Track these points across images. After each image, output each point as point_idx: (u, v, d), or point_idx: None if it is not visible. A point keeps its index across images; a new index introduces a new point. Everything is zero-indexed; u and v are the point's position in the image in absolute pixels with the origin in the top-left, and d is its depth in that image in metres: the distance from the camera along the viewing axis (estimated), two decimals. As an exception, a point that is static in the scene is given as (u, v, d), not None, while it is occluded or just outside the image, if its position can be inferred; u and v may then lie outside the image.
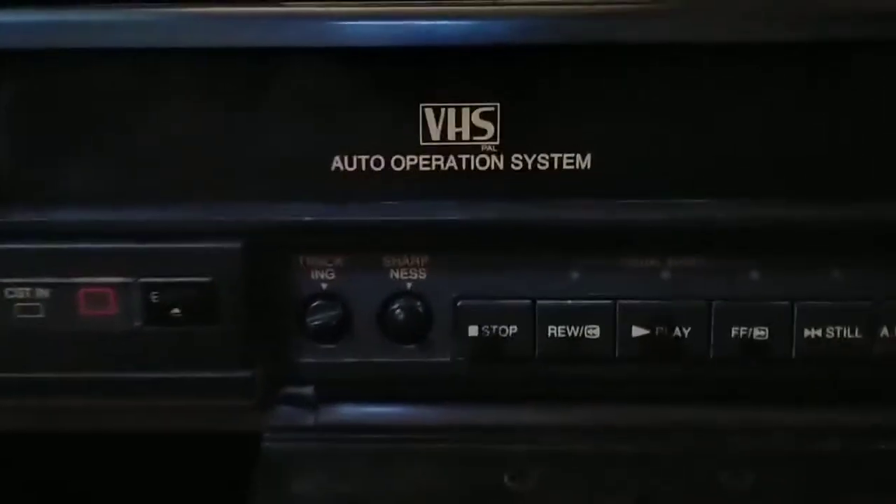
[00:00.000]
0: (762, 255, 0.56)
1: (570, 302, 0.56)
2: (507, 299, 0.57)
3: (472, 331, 0.57)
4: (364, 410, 0.60)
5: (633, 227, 0.55)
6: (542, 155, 0.54)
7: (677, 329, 0.56)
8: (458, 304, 0.57)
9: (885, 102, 0.53)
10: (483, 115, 0.53)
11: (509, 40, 0.52)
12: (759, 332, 0.56)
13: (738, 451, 0.58)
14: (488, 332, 0.57)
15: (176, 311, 0.55)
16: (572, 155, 0.54)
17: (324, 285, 0.57)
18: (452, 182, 0.54)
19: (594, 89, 0.53)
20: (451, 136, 0.53)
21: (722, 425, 0.58)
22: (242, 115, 0.54)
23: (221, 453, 0.63)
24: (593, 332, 0.56)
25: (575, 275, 0.57)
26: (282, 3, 0.52)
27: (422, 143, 0.53)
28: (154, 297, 0.55)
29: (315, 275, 0.57)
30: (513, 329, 0.56)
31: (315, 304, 0.58)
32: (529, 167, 0.54)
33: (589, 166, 0.54)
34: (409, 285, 0.58)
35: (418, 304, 0.58)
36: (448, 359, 0.58)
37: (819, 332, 0.56)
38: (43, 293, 0.55)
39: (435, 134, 0.53)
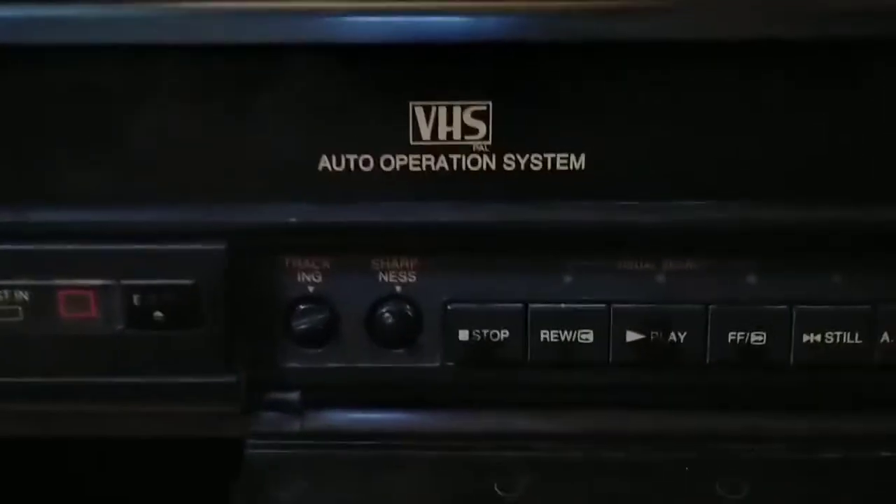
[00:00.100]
0: (760, 258, 0.56)
1: (563, 306, 0.56)
2: (499, 303, 0.56)
3: (463, 335, 0.56)
4: (351, 417, 0.59)
5: (628, 229, 0.54)
6: (535, 155, 0.53)
7: (673, 334, 0.55)
8: (449, 307, 0.56)
9: (887, 104, 0.52)
10: (475, 114, 0.52)
11: (502, 37, 0.51)
12: (757, 338, 0.55)
13: (735, 460, 0.57)
14: (479, 337, 0.56)
15: (158, 314, 0.55)
16: (566, 155, 0.53)
17: (310, 288, 0.57)
18: (443, 183, 0.53)
19: (589, 88, 0.52)
20: (441, 135, 0.53)
21: (718, 433, 0.58)
22: (227, 113, 0.53)
23: (205, 460, 0.63)
24: (587, 336, 0.56)
25: (568, 278, 0.56)
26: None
27: (412, 143, 0.53)
28: (136, 300, 0.54)
29: (301, 277, 0.57)
30: (504, 333, 0.56)
31: (301, 307, 0.57)
32: (522, 167, 0.53)
33: (583, 167, 0.53)
34: (398, 288, 0.57)
35: (407, 307, 0.57)
36: (438, 364, 0.57)
37: (818, 338, 0.55)
38: (22, 295, 0.55)
39: (425, 133, 0.53)
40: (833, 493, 0.56)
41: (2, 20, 0.51)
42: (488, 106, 0.52)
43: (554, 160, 0.53)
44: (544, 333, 0.56)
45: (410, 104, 0.52)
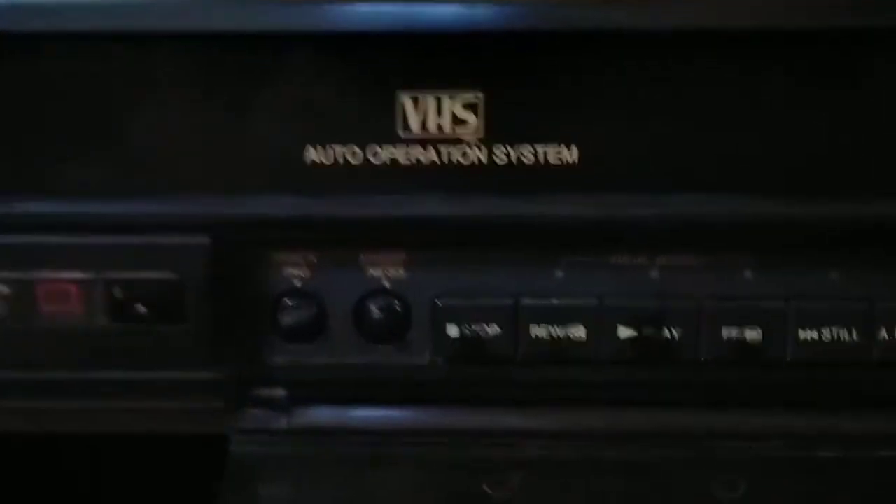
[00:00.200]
0: (756, 252, 0.55)
1: (554, 301, 0.55)
2: (489, 298, 0.55)
3: (452, 331, 0.56)
4: (338, 413, 0.58)
5: (622, 223, 0.54)
6: (527, 147, 0.52)
7: (666, 330, 0.55)
8: (438, 302, 0.56)
9: (886, 98, 0.52)
10: (465, 105, 0.52)
11: (494, 26, 0.51)
12: (753, 334, 0.55)
13: (730, 459, 0.56)
14: (469, 333, 0.55)
15: (141, 308, 0.54)
16: (559, 148, 0.52)
17: (297, 282, 0.56)
18: (433, 176, 0.53)
19: (583, 79, 0.52)
20: (431, 127, 0.52)
21: (714, 431, 0.57)
22: (212, 104, 0.52)
23: (189, 457, 0.62)
24: (578, 332, 0.55)
25: (560, 273, 0.56)
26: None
27: (400, 135, 0.52)
28: (118, 294, 0.54)
29: (288, 271, 0.56)
30: (494, 329, 0.55)
31: (288, 302, 0.56)
32: (514, 160, 0.53)
33: (576, 160, 0.52)
34: (386, 283, 0.56)
35: (396, 302, 0.56)
36: (427, 360, 0.57)
37: (815, 335, 0.55)
38: (1, 289, 0.54)
39: (414, 125, 0.52)
40: (830, 493, 0.55)
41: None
42: (479, 97, 0.52)
43: (546, 153, 0.52)
44: (535, 329, 0.55)
45: (399, 94, 0.52)
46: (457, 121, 0.52)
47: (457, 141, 0.52)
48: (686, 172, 0.53)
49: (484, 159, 0.52)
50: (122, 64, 0.52)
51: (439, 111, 0.52)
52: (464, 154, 0.52)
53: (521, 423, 0.58)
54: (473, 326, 0.55)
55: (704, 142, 0.52)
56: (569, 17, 0.51)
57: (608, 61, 0.52)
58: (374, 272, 0.56)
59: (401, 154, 0.52)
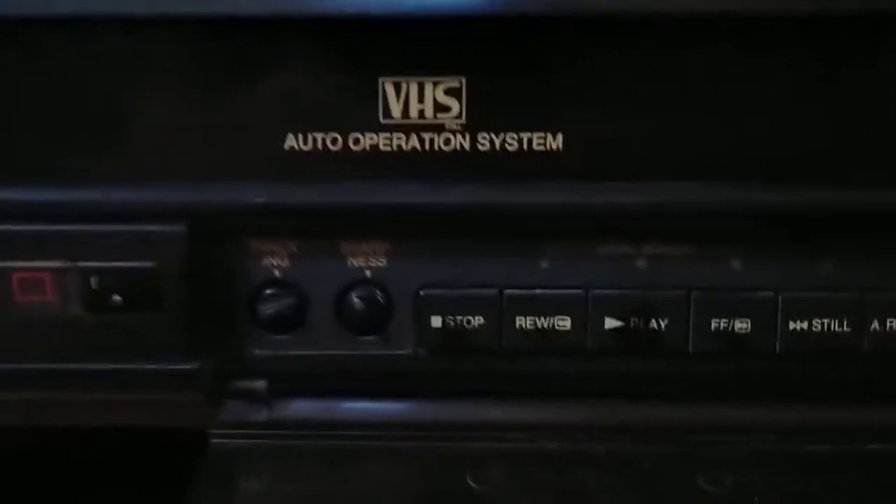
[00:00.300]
0: (745, 242, 0.55)
1: (539, 291, 0.55)
2: (473, 288, 0.55)
3: (436, 322, 0.55)
4: (320, 406, 0.58)
5: (608, 211, 0.53)
6: (510, 134, 0.52)
7: (653, 321, 0.55)
8: (421, 293, 0.55)
9: (877, 86, 0.51)
10: (448, 91, 0.52)
11: (478, 10, 0.51)
12: (741, 325, 0.55)
13: (718, 453, 0.56)
14: (452, 324, 0.55)
15: (117, 298, 0.53)
16: (543, 134, 0.52)
17: (277, 272, 0.56)
18: (414, 163, 0.52)
19: (567, 64, 0.51)
20: (413, 113, 0.52)
21: (701, 424, 0.57)
22: (189, 89, 0.52)
23: (168, 450, 0.62)
24: (564, 323, 0.55)
25: (545, 263, 0.55)
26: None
27: (381, 121, 0.52)
28: (94, 283, 0.53)
29: (267, 261, 0.56)
30: (478, 320, 0.55)
31: (267, 292, 0.56)
32: (497, 147, 0.52)
33: (561, 147, 0.52)
34: (368, 273, 0.56)
35: (378, 293, 0.56)
36: (409, 351, 0.56)
37: (805, 326, 0.54)
38: (-26, 278, 0.54)
39: (396, 111, 0.52)
40: (820, 487, 0.54)
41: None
42: (462, 82, 0.51)
43: (530, 140, 0.52)
44: (520, 320, 0.55)
45: (380, 80, 0.51)
46: (439, 107, 0.52)
47: (439, 128, 0.52)
48: (673, 160, 0.52)
49: (467, 146, 0.52)
50: (97, 50, 0.51)
51: (421, 97, 0.51)
52: (446, 141, 0.52)
53: (505, 416, 0.57)
54: (457, 317, 0.55)
55: (691, 129, 0.52)
56: (554, 1, 0.50)
57: (593, 47, 0.51)
58: (356, 262, 0.56)
59: (382, 141, 0.52)
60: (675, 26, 0.51)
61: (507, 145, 0.52)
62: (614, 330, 0.54)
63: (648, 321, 0.54)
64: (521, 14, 0.51)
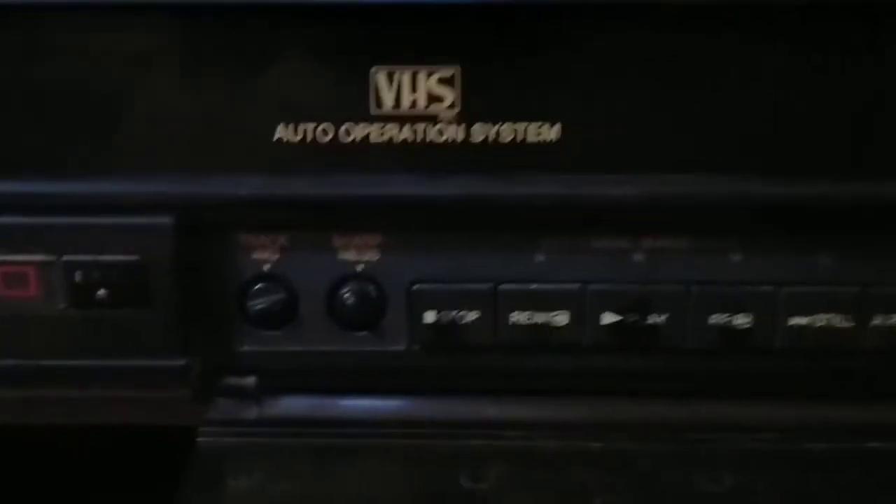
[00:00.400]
0: (745, 235, 0.54)
1: (535, 286, 0.55)
2: (467, 283, 0.55)
3: (429, 317, 0.55)
4: (311, 403, 0.57)
5: (605, 204, 0.53)
6: (505, 125, 0.52)
7: (651, 316, 0.54)
8: (414, 287, 0.55)
9: (879, 76, 0.51)
10: (441, 81, 0.51)
11: None
12: (741, 320, 0.54)
13: (716, 451, 0.56)
14: (446, 319, 0.55)
15: (102, 292, 0.53)
16: (539, 125, 0.52)
17: (266, 266, 0.55)
18: (407, 154, 0.52)
19: (564, 53, 0.51)
20: (405, 103, 0.51)
21: (699, 421, 0.57)
22: (176, 78, 0.51)
23: (155, 448, 0.62)
24: (560, 318, 0.55)
25: (541, 257, 0.55)
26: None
27: (373, 112, 0.51)
28: (78, 278, 0.53)
29: (257, 255, 0.55)
30: (473, 315, 0.55)
31: (257, 286, 0.55)
32: (492, 139, 0.52)
33: (557, 138, 0.52)
34: (360, 267, 0.55)
35: (370, 287, 0.55)
36: (402, 347, 0.56)
37: (805, 321, 0.54)
38: (-44, 272, 0.53)
39: (388, 101, 0.51)
40: (820, 486, 0.54)
41: None
42: (456, 71, 0.51)
43: (526, 130, 0.52)
44: (515, 315, 0.55)
45: (371, 70, 0.51)
46: (432, 97, 0.51)
47: (432, 118, 0.51)
48: (672, 151, 0.52)
49: (461, 137, 0.52)
50: (84, 41, 0.51)
51: (414, 87, 0.51)
52: (440, 132, 0.52)
53: (500, 413, 0.57)
54: (451, 312, 0.55)
55: (690, 120, 0.51)
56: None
57: (591, 34, 0.50)
58: (347, 256, 0.55)
59: (374, 132, 0.52)
60: (674, 15, 0.50)
61: (502, 136, 0.51)
62: (612, 325, 0.54)
63: (646, 316, 0.54)
64: (516, 1, 0.50)
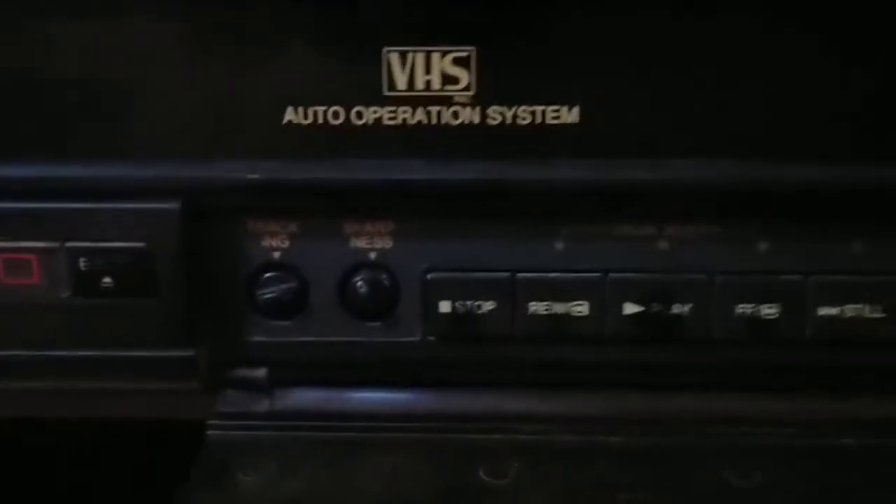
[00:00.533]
0: (772, 222, 0.54)
1: (554, 275, 0.54)
2: (484, 272, 0.54)
3: (444, 307, 0.54)
4: (323, 396, 0.57)
5: (627, 189, 0.52)
6: (523, 107, 0.51)
7: (675, 306, 0.54)
8: (428, 276, 0.54)
9: None
10: (456, 61, 0.50)
11: None
12: (768, 310, 0.53)
13: (744, 446, 0.55)
14: (462, 309, 0.54)
15: (107, 280, 0.53)
16: (558, 107, 0.51)
17: (276, 254, 0.55)
18: (421, 138, 0.51)
19: (584, 31, 0.50)
20: (419, 85, 0.51)
21: (726, 415, 0.56)
22: (183, 60, 0.51)
23: (164, 442, 0.62)
24: (580, 308, 0.54)
25: (560, 244, 0.54)
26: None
27: (386, 94, 0.51)
28: (83, 265, 0.52)
29: (266, 242, 0.55)
30: (490, 305, 0.54)
31: (267, 275, 0.55)
32: (509, 121, 0.51)
33: (577, 120, 0.51)
34: (372, 255, 0.55)
35: (383, 276, 0.55)
36: (417, 338, 0.56)
37: (835, 311, 0.53)
38: (-43, 260, 0.53)
39: (401, 83, 0.51)
40: (851, 482, 0.53)
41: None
42: (471, 52, 0.50)
43: (544, 113, 0.51)
44: (533, 305, 0.54)
45: (384, 50, 0.50)
46: (447, 78, 0.51)
47: (447, 100, 0.51)
48: (696, 134, 0.51)
49: (476, 120, 0.51)
50: (89, 23, 0.50)
51: (428, 68, 0.50)
52: (455, 114, 0.51)
53: (518, 407, 0.56)
54: (467, 302, 0.54)
55: (716, 101, 0.51)
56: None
57: (611, 12, 0.50)
58: (359, 243, 0.55)
59: (386, 115, 0.51)
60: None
61: (519, 119, 0.51)
62: (634, 315, 0.54)
63: (670, 306, 0.53)
64: (534, -21, 0.50)
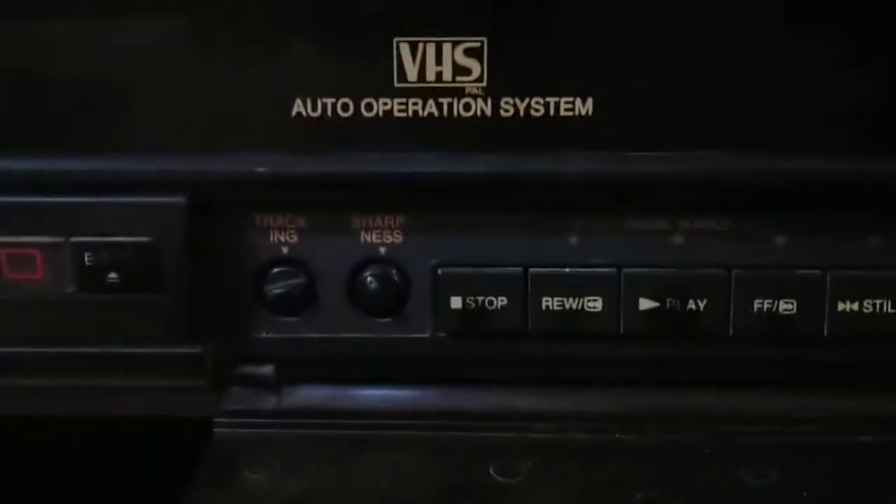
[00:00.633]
0: (789, 216, 0.53)
1: (567, 270, 0.54)
2: (496, 267, 0.54)
3: (455, 302, 0.54)
4: (331, 393, 0.57)
5: (641, 183, 0.52)
6: (535, 99, 0.51)
7: (691, 302, 0.53)
8: (439, 271, 0.54)
9: None
10: (468, 52, 0.50)
11: None
12: (786, 306, 0.53)
13: (760, 444, 0.54)
14: (473, 305, 0.54)
15: (113, 275, 0.52)
16: (571, 99, 0.51)
17: (284, 249, 0.54)
18: (432, 130, 0.51)
19: (598, 22, 0.50)
20: (430, 76, 0.50)
21: (742, 414, 0.55)
22: (189, 51, 0.51)
23: (169, 439, 0.61)
24: (594, 304, 0.53)
25: (573, 239, 0.54)
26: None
27: (396, 85, 0.51)
28: (87, 260, 0.52)
29: (274, 236, 0.54)
30: (502, 301, 0.54)
31: (274, 270, 0.55)
32: (521, 113, 0.51)
33: (590, 112, 0.51)
34: (382, 250, 0.54)
35: (393, 271, 0.55)
36: (427, 334, 0.55)
37: (854, 307, 0.53)
38: (-41, 255, 0.53)
39: (411, 74, 0.50)
40: (870, 481, 0.52)
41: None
42: (483, 42, 0.50)
43: (557, 105, 0.51)
44: (546, 301, 0.53)
45: (395, 41, 0.50)
46: (458, 69, 0.50)
47: (458, 92, 0.50)
48: (713, 126, 0.51)
49: (488, 112, 0.51)
50: (94, 13, 0.50)
51: (439, 59, 0.50)
52: (466, 106, 0.51)
53: (530, 404, 0.56)
54: (478, 298, 0.54)
55: (733, 92, 0.50)
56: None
57: (627, 1, 0.49)
58: (369, 238, 0.54)
59: (397, 107, 0.51)
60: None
61: (532, 111, 0.50)
62: (649, 311, 0.53)
63: (686, 302, 0.53)
64: (548, -32, 0.49)
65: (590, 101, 0.50)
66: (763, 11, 0.49)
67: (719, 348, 0.54)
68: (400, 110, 0.51)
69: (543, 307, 0.53)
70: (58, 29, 0.50)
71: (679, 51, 0.50)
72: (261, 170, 0.51)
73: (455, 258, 0.54)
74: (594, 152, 0.51)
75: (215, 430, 0.56)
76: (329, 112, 0.51)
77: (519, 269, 0.53)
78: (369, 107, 0.50)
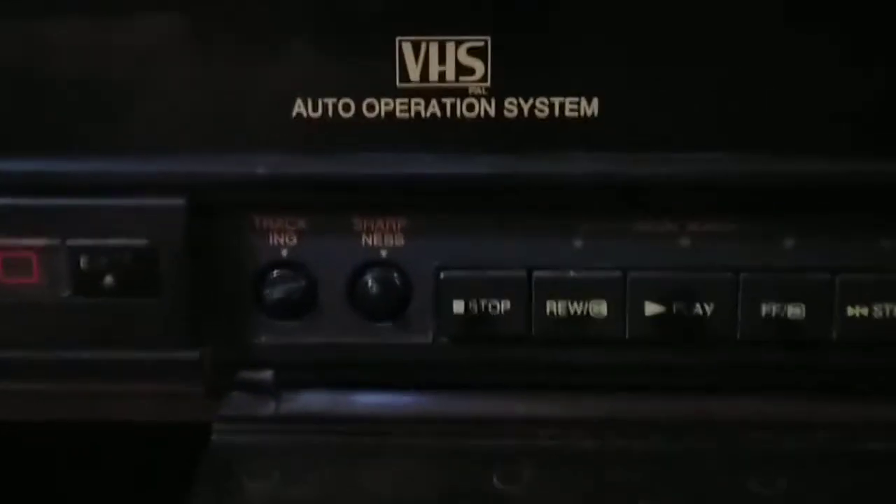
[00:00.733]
0: (798, 218, 0.53)
1: (572, 273, 0.53)
2: (499, 270, 0.54)
3: (458, 307, 0.54)
4: (331, 398, 0.56)
5: (648, 184, 0.52)
6: (540, 99, 0.51)
7: (698, 306, 0.53)
8: (441, 275, 0.54)
9: None
10: (471, 52, 0.50)
11: None
12: (794, 310, 0.53)
13: (768, 451, 0.54)
14: (476, 309, 0.53)
15: (109, 279, 0.52)
16: (576, 99, 0.50)
17: (284, 252, 0.54)
18: (434, 131, 0.51)
19: (604, 21, 0.50)
20: (433, 76, 0.50)
21: (749, 420, 0.55)
22: (187, 50, 0.50)
23: (166, 446, 0.61)
24: (599, 308, 0.53)
25: (578, 241, 0.54)
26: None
27: (398, 85, 0.51)
28: (84, 263, 0.52)
29: (274, 239, 0.54)
30: (505, 305, 0.53)
31: (274, 273, 0.54)
32: (526, 114, 0.51)
33: (596, 113, 0.51)
34: (384, 253, 0.54)
35: (395, 275, 0.54)
36: (429, 339, 0.55)
37: (864, 311, 0.53)
38: (-46, 258, 0.53)
39: (414, 74, 0.50)
40: (879, 489, 0.52)
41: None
42: (487, 41, 0.50)
43: (563, 105, 0.50)
44: (551, 305, 0.53)
45: (397, 40, 0.50)
46: (461, 69, 0.50)
47: (462, 92, 0.50)
48: (720, 128, 0.51)
49: (492, 112, 0.51)
50: (92, 11, 0.50)
51: (442, 58, 0.50)
52: (469, 107, 0.51)
53: (533, 411, 0.56)
54: (481, 302, 0.53)
55: (739, 94, 0.50)
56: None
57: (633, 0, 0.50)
58: (370, 240, 0.54)
59: (399, 107, 0.51)
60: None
61: (536, 111, 0.50)
62: (655, 316, 0.53)
63: (692, 306, 0.53)
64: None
65: (595, 102, 0.50)
66: (771, 11, 0.49)
67: (726, 353, 0.54)
68: (402, 111, 0.50)
69: (547, 311, 0.53)
70: (55, 29, 0.50)
71: (686, 52, 0.50)
72: (261, 171, 0.51)
73: (458, 261, 0.54)
74: (600, 153, 0.51)
75: (213, 435, 0.55)
76: (330, 112, 0.50)
77: (522, 273, 0.53)
78: (371, 107, 0.50)
